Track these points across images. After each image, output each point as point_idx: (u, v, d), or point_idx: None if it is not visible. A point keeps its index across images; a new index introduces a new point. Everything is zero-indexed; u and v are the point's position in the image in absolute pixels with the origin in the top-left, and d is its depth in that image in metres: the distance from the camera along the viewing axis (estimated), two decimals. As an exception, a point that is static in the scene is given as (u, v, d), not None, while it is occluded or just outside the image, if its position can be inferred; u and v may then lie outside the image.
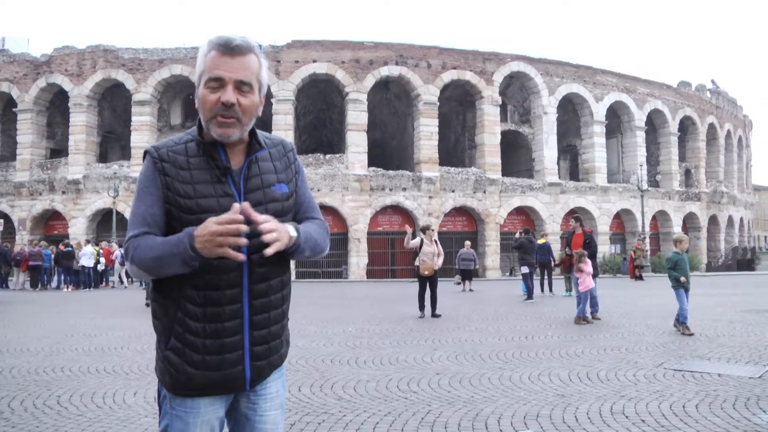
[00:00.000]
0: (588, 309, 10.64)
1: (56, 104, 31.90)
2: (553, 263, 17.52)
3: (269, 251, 1.66)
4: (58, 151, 32.77)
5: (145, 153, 1.81)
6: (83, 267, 22.54)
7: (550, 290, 17.03)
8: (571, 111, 34.86)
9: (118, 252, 23.78)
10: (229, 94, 1.71)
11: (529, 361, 6.94)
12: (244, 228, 1.61)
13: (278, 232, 1.68)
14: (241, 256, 1.65)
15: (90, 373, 6.46)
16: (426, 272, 11.94)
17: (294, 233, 1.76)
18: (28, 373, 6.43)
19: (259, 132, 1.87)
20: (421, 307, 11.83)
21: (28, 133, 30.91)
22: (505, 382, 5.84)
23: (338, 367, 6.68)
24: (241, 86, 1.73)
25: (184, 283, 1.72)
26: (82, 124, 30.15)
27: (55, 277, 23.61)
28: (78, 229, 29.33)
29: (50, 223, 31.50)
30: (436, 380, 5.96)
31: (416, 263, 12.28)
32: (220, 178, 1.77)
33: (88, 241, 24.90)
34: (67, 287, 22.13)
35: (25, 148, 30.94)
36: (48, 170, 30.75)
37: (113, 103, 32.81)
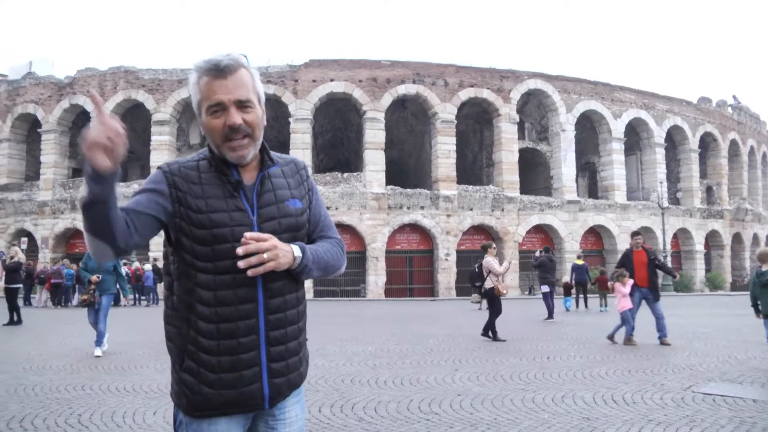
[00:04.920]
0: (628, 331, 10.08)
1: (79, 125, 32.50)
2: (589, 283, 19.33)
3: (253, 271, 1.67)
4: (80, 171, 33.24)
5: (158, 168, 1.82)
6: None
7: (585, 306, 18.44)
8: (589, 128, 34.69)
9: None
10: (234, 116, 1.72)
11: (551, 382, 6.81)
12: (266, 245, 1.67)
13: (276, 250, 1.69)
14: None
15: (110, 391, 6.46)
16: (505, 292, 11.35)
17: (299, 253, 1.75)
18: (50, 391, 6.45)
19: (270, 151, 1.89)
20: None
21: (51, 153, 31.56)
22: (528, 404, 5.72)
23: (358, 388, 6.61)
24: (242, 104, 1.74)
25: (197, 300, 1.71)
26: (103, 143, 30.59)
27: (77, 295, 23.85)
28: (99, 247, 29.61)
29: (72, 241, 31.96)
30: (458, 401, 5.86)
31: (488, 284, 11.37)
32: (233, 193, 1.76)
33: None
34: (88, 305, 22.28)
35: (48, 167, 31.55)
36: (70, 189, 31.29)
37: (133, 123, 33.30)
